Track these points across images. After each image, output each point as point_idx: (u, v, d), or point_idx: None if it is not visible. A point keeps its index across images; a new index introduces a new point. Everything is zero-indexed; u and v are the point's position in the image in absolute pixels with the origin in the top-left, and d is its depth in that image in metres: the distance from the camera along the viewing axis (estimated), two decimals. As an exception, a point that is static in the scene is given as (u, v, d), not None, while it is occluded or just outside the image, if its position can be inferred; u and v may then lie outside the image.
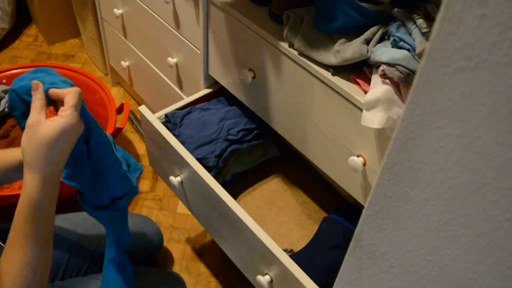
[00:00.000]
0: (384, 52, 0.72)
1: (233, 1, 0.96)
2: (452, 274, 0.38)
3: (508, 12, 0.26)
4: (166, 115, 1.10)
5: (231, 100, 1.15)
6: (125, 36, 1.54)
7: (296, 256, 0.96)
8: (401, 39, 0.72)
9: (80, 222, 1.08)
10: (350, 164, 0.79)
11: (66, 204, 1.38)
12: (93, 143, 0.75)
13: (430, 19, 0.72)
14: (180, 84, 1.32)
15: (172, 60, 1.26)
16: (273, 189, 1.17)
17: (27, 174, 0.64)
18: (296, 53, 0.84)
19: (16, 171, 0.80)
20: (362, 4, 0.77)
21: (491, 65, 0.28)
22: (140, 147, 1.68)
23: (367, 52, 0.75)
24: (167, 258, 1.36)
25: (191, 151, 1.02)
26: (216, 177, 1.03)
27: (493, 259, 0.34)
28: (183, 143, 1.02)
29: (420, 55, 0.67)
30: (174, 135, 1.06)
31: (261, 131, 1.12)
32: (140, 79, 1.61)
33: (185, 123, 1.09)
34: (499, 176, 0.31)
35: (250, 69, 0.98)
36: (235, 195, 1.13)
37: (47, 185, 0.65)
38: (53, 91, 0.68)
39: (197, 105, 1.15)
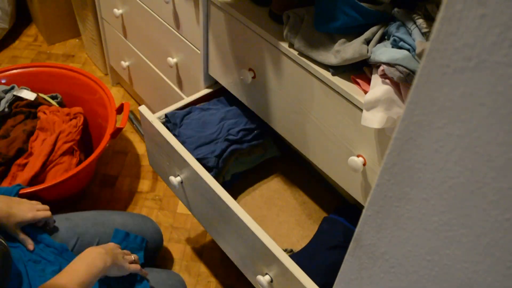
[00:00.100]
0: (384, 52, 0.72)
1: (233, 1, 0.96)
2: (452, 274, 0.38)
3: (508, 12, 0.26)
4: (166, 115, 1.10)
5: (231, 100, 1.15)
6: (125, 36, 1.54)
7: (296, 256, 0.96)
8: (401, 39, 0.72)
9: (80, 222, 1.08)
10: (350, 164, 0.79)
11: (66, 204, 1.38)
12: None
13: (430, 19, 0.72)
14: (180, 84, 1.32)
15: (172, 60, 1.26)
16: (273, 189, 1.17)
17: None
18: (296, 53, 0.84)
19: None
20: (362, 4, 0.77)
21: (491, 65, 0.28)
22: (140, 147, 1.68)
23: (367, 52, 0.75)
24: (167, 258, 1.36)
25: (191, 151, 1.02)
26: (216, 177, 1.03)
27: (493, 259, 0.34)
28: (183, 143, 1.02)
29: (420, 55, 0.67)
30: (174, 135, 1.06)
31: (261, 131, 1.12)
32: (140, 79, 1.61)
33: (185, 123, 1.09)
34: (499, 176, 0.31)
35: (250, 69, 0.98)
36: (235, 195, 1.14)
37: None
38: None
39: (197, 105, 1.15)
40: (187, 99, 1.16)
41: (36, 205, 0.99)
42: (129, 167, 1.61)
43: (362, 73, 0.79)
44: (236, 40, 0.98)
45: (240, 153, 1.10)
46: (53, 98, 1.50)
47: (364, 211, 0.44)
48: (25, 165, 1.29)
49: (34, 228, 0.98)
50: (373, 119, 0.69)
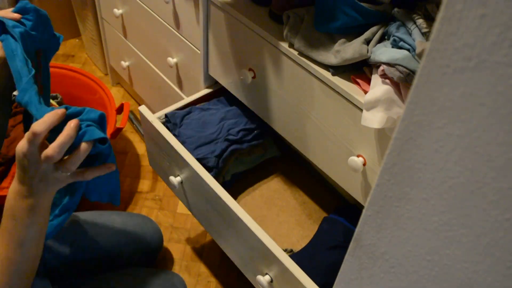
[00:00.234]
0: (384, 52, 0.72)
1: (233, 1, 0.96)
2: (452, 274, 0.38)
3: (508, 12, 0.26)
4: (166, 115, 1.10)
5: (231, 100, 1.15)
6: (125, 36, 1.54)
7: (296, 256, 0.96)
8: (401, 39, 0.72)
9: (80, 222, 1.08)
10: (350, 164, 0.79)
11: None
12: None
13: (430, 19, 0.72)
14: (180, 84, 1.32)
15: (172, 60, 1.26)
16: (273, 189, 1.17)
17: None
18: (296, 53, 0.84)
19: None
20: (362, 4, 0.77)
21: (491, 65, 0.28)
22: (140, 147, 1.68)
23: (367, 52, 0.75)
24: (167, 258, 1.36)
25: (191, 151, 1.02)
26: (216, 177, 1.03)
27: (493, 259, 0.34)
28: (183, 143, 1.02)
29: (420, 55, 0.67)
30: (174, 135, 1.06)
31: (261, 131, 1.12)
32: (140, 79, 1.61)
33: (185, 123, 1.09)
34: (499, 176, 0.31)
35: (250, 69, 0.98)
36: (235, 195, 1.14)
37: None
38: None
39: (197, 105, 1.15)
40: (187, 99, 1.16)
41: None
42: (129, 167, 1.61)
43: (362, 73, 0.79)
44: (236, 40, 0.98)
45: (240, 153, 1.10)
46: (53, 98, 1.50)
47: (364, 211, 0.44)
48: (25, 165, 1.29)
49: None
50: (373, 119, 0.69)
